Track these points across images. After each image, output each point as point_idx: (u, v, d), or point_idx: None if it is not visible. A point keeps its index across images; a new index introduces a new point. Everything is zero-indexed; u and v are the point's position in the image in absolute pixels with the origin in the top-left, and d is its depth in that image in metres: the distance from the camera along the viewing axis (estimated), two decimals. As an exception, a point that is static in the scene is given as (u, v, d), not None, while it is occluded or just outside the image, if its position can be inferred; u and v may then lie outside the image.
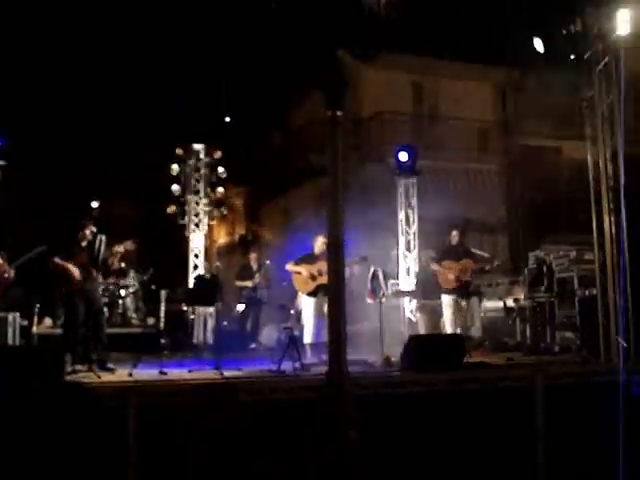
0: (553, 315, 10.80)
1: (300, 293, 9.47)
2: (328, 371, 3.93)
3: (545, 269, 11.07)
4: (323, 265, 9.13)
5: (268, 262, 12.20)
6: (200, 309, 11.25)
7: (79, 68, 17.95)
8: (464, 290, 10.34)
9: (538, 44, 9.33)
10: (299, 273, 9.35)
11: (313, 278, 9.25)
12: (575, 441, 6.77)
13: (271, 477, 5.68)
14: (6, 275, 8.67)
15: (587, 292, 10.00)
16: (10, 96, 15.22)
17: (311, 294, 9.26)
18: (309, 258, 9.46)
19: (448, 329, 10.26)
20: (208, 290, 9.80)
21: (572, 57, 9.10)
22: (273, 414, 5.69)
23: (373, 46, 4.20)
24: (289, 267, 9.54)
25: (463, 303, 10.31)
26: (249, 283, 11.74)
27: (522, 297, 11.52)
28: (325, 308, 8.90)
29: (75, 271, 7.91)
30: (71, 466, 5.08)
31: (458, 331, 10.10)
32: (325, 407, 3.97)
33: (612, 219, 8.65)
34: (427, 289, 11.09)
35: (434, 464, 6.28)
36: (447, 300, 10.37)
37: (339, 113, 4.03)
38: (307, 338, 9.08)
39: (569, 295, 10.48)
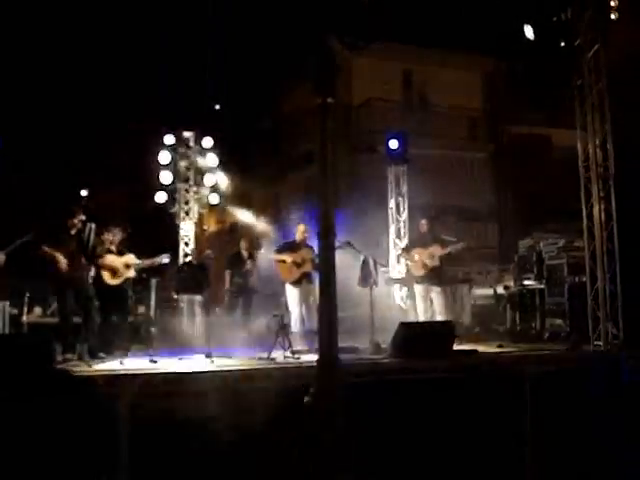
0: (543, 302, 10.86)
1: (285, 282, 9.40)
2: (319, 359, 3.93)
3: (535, 256, 11.13)
4: (306, 253, 9.17)
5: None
6: (188, 297, 11.18)
7: (65, 55, 17.80)
8: (434, 277, 9.90)
9: (528, 32, 9.32)
10: (283, 261, 9.33)
11: (298, 265, 9.24)
12: (564, 427, 6.82)
13: (262, 464, 5.69)
14: None
15: (577, 279, 10.07)
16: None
17: (296, 282, 9.24)
18: (291, 246, 9.46)
19: (421, 317, 9.89)
20: (195, 278, 9.72)
21: (562, 45, 9.11)
22: (264, 402, 5.69)
23: (363, 36, 4.18)
24: (273, 256, 9.53)
25: (435, 290, 9.90)
26: (240, 271, 11.66)
27: (512, 284, 11.58)
28: (310, 296, 8.95)
29: (62, 260, 7.85)
30: (61, 454, 5.07)
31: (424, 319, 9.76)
32: (316, 394, 3.98)
33: (602, 206, 8.68)
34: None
35: (423, 451, 6.30)
36: (417, 289, 10.08)
37: (329, 100, 4.01)
38: (294, 326, 9.06)
39: (559, 282, 10.54)
